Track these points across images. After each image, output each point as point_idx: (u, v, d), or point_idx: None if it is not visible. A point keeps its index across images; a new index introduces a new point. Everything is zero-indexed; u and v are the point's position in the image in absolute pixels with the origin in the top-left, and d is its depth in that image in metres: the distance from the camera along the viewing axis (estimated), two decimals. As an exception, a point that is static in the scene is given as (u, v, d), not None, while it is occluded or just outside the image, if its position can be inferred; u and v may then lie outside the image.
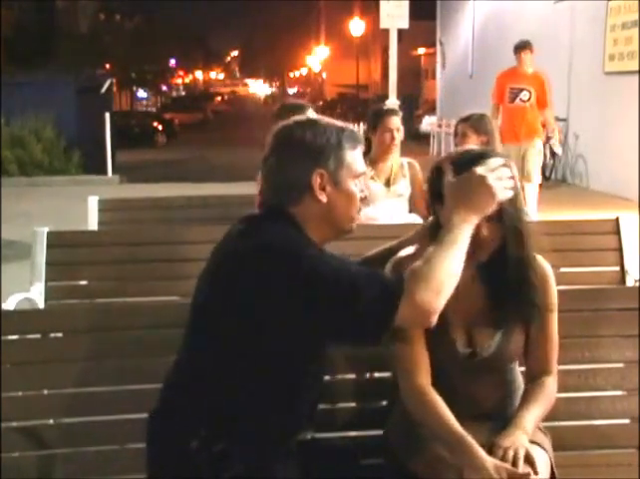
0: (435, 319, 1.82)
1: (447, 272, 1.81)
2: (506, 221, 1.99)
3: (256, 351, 1.83)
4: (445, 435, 1.95)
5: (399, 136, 4.39)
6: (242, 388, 1.85)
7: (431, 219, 2.20)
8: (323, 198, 1.92)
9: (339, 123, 2.01)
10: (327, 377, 2.27)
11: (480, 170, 1.92)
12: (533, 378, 2.13)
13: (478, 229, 1.94)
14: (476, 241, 1.94)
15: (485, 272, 2.06)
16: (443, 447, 1.96)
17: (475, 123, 4.34)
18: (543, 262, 2.13)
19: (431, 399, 1.99)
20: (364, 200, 2.03)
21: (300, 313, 1.79)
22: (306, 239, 1.91)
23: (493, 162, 1.95)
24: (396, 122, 4.41)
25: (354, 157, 1.97)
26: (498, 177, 1.92)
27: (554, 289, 2.14)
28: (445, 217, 1.95)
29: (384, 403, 2.35)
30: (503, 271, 2.03)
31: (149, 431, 1.96)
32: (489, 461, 1.86)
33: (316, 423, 2.30)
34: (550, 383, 2.12)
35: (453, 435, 1.92)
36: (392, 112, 4.52)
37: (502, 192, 1.92)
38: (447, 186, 1.97)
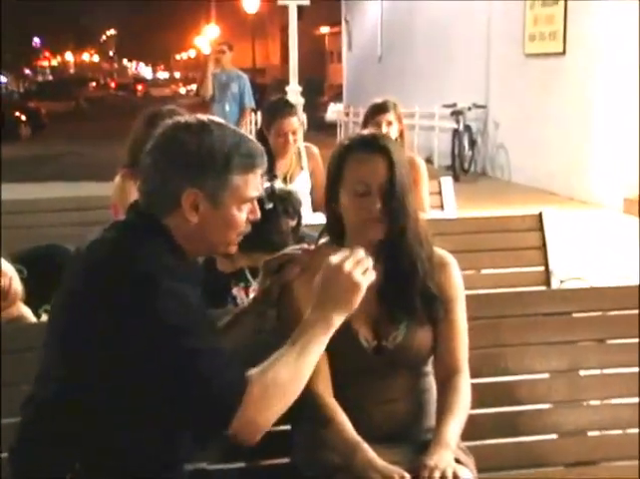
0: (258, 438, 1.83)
1: (291, 389, 1.84)
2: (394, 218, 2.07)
3: (120, 384, 1.79)
4: (339, 442, 2.01)
5: (296, 137, 4.39)
6: (116, 421, 1.82)
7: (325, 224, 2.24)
8: (193, 218, 1.88)
9: (239, 134, 1.94)
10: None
11: (347, 266, 1.88)
12: (444, 379, 2.17)
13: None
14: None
15: (383, 259, 2.10)
16: (338, 456, 2.01)
17: (397, 110, 4.42)
18: (443, 252, 2.22)
19: (327, 404, 2.06)
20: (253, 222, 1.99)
21: (147, 356, 1.76)
22: (176, 260, 1.87)
23: (359, 254, 1.92)
24: (291, 124, 4.37)
25: (245, 180, 1.91)
26: (363, 270, 1.90)
27: (456, 279, 2.21)
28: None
29: (288, 427, 2.35)
30: (397, 261, 2.10)
31: (11, 470, 1.91)
32: (388, 467, 1.92)
33: (214, 453, 2.28)
34: (463, 385, 2.17)
35: (347, 442, 1.99)
36: (287, 113, 4.41)
37: (365, 282, 1.90)
38: (316, 279, 1.94)
